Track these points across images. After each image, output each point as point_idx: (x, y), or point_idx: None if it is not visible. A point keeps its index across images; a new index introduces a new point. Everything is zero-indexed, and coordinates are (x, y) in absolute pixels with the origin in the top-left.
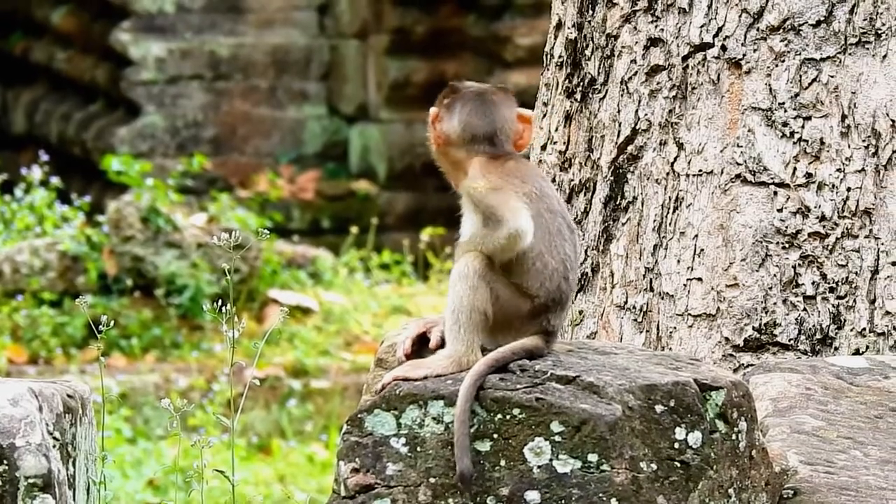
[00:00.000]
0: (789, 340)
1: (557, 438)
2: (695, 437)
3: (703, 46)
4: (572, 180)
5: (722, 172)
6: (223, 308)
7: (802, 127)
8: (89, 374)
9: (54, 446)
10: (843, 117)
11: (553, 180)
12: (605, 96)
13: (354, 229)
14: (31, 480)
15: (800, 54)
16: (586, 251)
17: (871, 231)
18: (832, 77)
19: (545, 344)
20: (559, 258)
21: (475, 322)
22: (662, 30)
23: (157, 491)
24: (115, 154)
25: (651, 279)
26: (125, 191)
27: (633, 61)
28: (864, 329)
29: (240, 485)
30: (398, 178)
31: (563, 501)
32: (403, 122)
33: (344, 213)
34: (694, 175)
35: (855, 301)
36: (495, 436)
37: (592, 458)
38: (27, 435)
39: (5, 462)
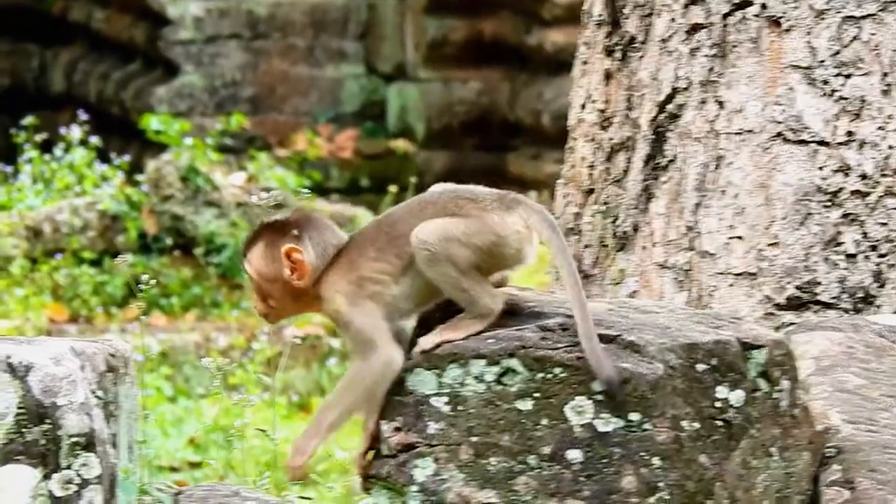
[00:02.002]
0: (831, 299)
1: (599, 397)
2: (737, 396)
3: (743, 4)
4: (612, 139)
5: (762, 131)
6: None
7: (843, 85)
8: (130, 333)
9: (97, 405)
10: (884, 75)
11: (592, 139)
12: (644, 55)
13: (393, 188)
14: (73, 439)
15: (840, 12)
16: (626, 209)
17: None
18: (873, 35)
19: None
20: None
21: (475, 277)
22: None
23: (198, 449)
24: (153, 113)
25: (692, 238)
26: (164, 150)
27: (673, 20)
28: None
29: (280, 443)
30: (436, 137)
31: (604, 460)
32: (441, 81)
33: (382, 172)
34: (734, 134)
35: None
36: (537, 394)
37: (634, 416)
38: (69, 394)
39: (48, 421)
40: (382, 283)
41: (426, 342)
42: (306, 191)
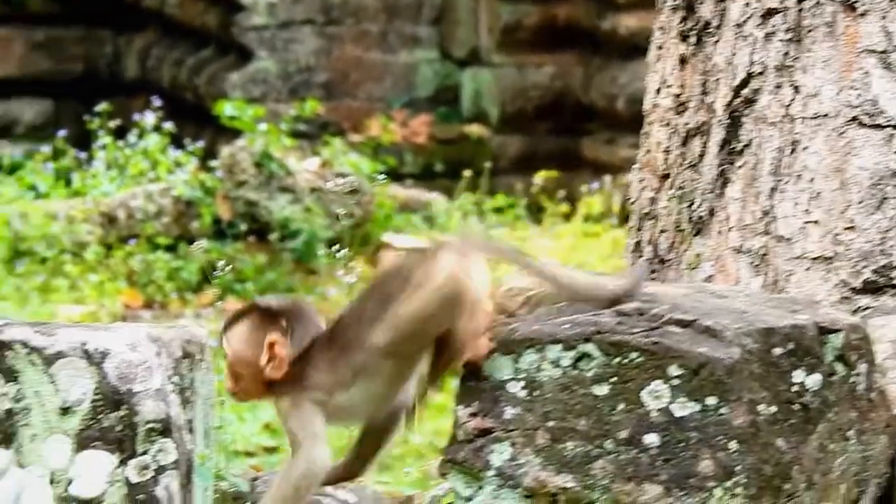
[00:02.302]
0: None
1: (676, 381)
2: (813, 380)
3: None
4: (687, 124)
5: (838, 115)
6: (338, 252)
7: None
8: (204, 319)
9: (173, 391)
10: None
11: (667, 124)
12: (719, 40)
13: (467, 173)
14: (150, 425)
15: None
16: (702, 193)
17: None
18: None
19: None
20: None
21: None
22: None
23: (274, 434)
24: (227, 99)
25: (767, 222)
26: (238, 136)
27: (748, 4)
28: None
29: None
30: (510, 122)
31: (681, 444)
32: (515, 66)
33: (457, 157)
34: (810, 118)
35: None
36: (613, 379)
37: (711, 401)
38: (146, 380)
39: (125, 407)
40: (330, 394)
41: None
42: (381, 176)
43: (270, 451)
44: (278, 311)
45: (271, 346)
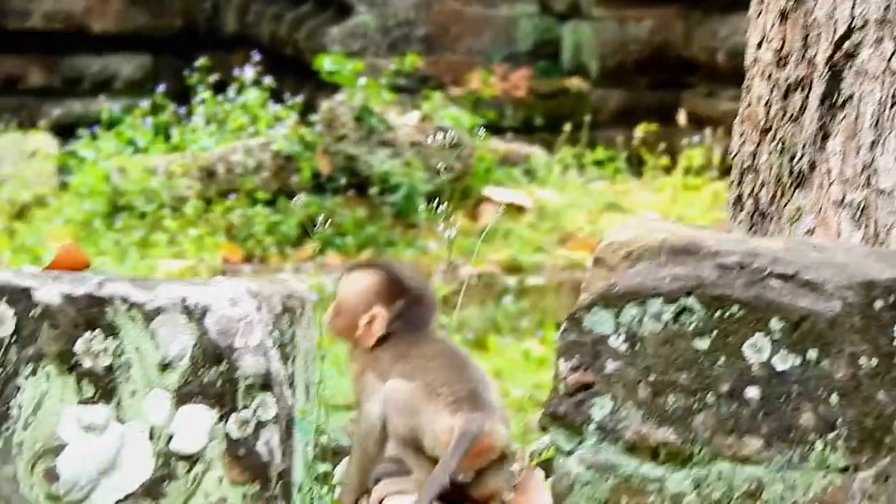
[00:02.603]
0: None
1: (777, 335)
2: None
3: None
4: (788, 78)
5: None
6: (438, 206)
7: None
8: (304, 273)
9: (273, 346)
10: None
11: (768, 78)
12: None
13: (567, 126)
14: (250, 380)
15: None
16: (803, 147)
17: None
18: None
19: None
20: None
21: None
22: None
23: None
24: (327, 53)
25: (868, 176)
26: (337, 90)
27: None
28: None
29: None
30: (610, 75)
31: (782, 398)
32: (615, 20)
33: (557, 111)
34: None
35: None
36: (714, 333)
37: (812, 354)
38: (246, 335)
39: (225, 362)
40: (384, 380)
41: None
42: (480, 130)
43: None
44: (402, 290)
45: (372, 318)
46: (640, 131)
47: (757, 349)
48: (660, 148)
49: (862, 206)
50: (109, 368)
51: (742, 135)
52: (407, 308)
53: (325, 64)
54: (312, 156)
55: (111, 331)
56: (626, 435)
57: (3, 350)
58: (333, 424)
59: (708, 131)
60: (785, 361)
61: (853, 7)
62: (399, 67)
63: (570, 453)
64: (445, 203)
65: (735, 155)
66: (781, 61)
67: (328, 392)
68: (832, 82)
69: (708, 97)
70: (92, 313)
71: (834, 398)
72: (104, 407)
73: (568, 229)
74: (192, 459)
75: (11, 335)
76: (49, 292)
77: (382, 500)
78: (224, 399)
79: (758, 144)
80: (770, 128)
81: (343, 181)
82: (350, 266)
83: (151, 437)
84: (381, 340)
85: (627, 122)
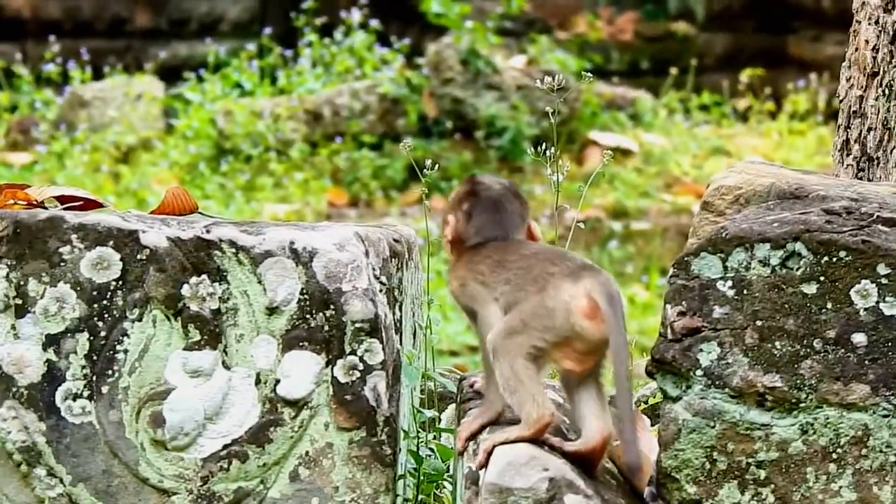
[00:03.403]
0: None
1: (884, 280)
2: None
3: None
4: (895, 22)
5: None
6: (545, 150)
7: None
8: (409, 217)
9: (380, 291)
10: None
11: (876, 22)
12: None
13: (673, 70)
14: (357, 325)
15: None
16: None
17: None
18: None
19: None
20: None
21: (527, 378)
22: None
23: None
24: None
25: None
26: (444, 33)
27: None
28: None
29: None
30: (716, 19)
31: (889, 343)
32: None
33: (662, 55)
34: None
35: None
36: (822, 278)
37: None
38: (354, 279)
39: (332, 307)
40: (486, 286)
41: (482, 445)
42: (587, 74)
43: (475, 349)
44: (471, 197)
45: (446, 222)
46: (745, 76)
47: (864, 295)
48: (765, 92)
49: None
50: (216, 313)
51: (849, 79)
52: (475, 213)
53: (433, 7)
54: (419, 99)
55: (218, 275)
56: (733, 381)
57: (109, 294)
58: (439, 369)
59: (813, 76)
60: (892, 307)
61: None
62: (506, 10)
63: (676, 399)
64: (552, 147)
65: (842, 99)
66: (889, 5)
67: (434, 337)
68: None
69: (813, 41)
70: (199, 257)
71: None
72: (211, 352)
73: (674, 174)
74: (298, 405)
75: (118, 279)
76: (156, 236)
77: (491, 450)
78: (331, 344)
79: (865, 89)
80: (877, 72)
81: (449, 124)
82: (469, 177)
83: (258, 383)
84: (475, 249)
85: (733, 67)
